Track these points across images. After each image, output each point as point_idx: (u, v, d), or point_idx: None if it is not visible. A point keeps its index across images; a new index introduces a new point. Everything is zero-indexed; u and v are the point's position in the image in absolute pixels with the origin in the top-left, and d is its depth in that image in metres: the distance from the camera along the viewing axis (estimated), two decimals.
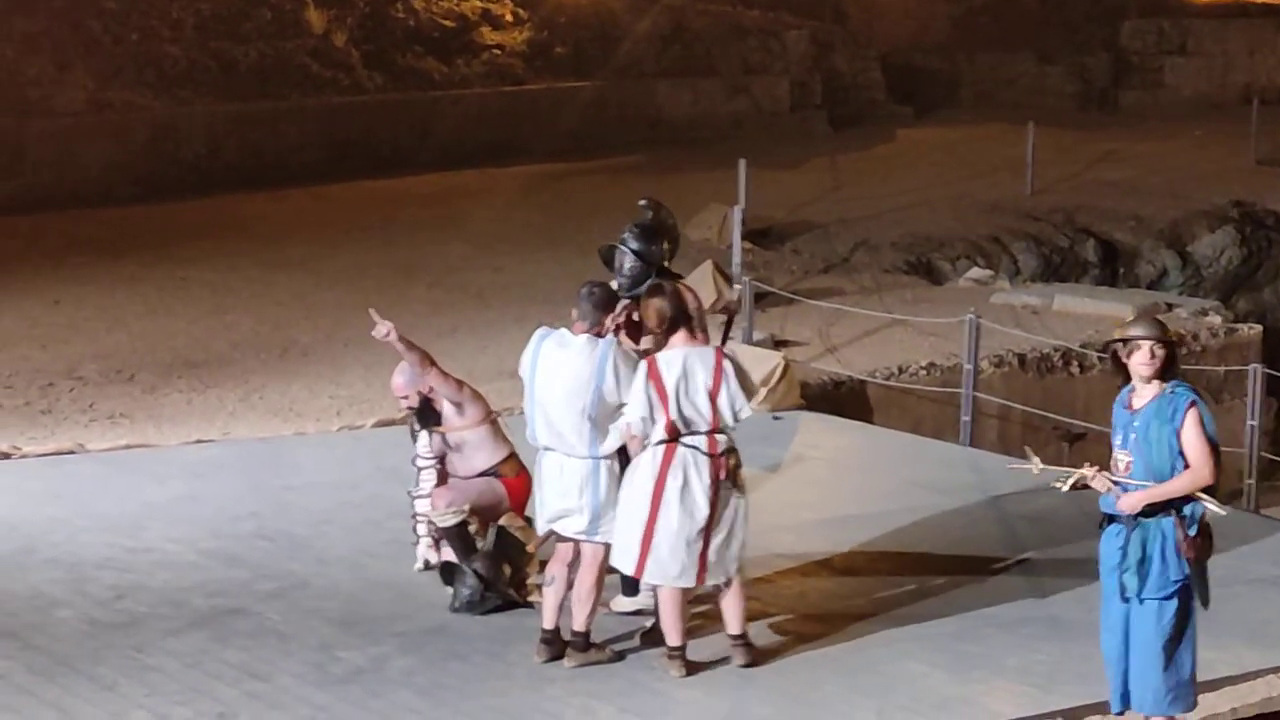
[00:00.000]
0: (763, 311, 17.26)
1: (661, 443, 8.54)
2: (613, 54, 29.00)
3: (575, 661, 8.80)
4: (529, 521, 9.55)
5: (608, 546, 8.83)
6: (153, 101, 24.63)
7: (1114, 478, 7.67)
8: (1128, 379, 7.76)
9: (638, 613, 9.37)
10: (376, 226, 21.90)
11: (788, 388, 14.24)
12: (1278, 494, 15.87)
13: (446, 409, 9.89)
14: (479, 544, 9.67)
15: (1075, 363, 16.64)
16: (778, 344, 16.10)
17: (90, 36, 24.64)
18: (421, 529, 10.09)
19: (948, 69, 33.46)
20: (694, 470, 8.54)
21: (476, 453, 9.88)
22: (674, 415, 8.50)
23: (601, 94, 28.33)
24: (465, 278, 19.29)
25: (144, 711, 8.23)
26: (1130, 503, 7.62)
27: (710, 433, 8.57)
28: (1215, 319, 18.45)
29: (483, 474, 9.87)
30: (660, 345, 8.67)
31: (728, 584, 8.72)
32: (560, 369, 8.68)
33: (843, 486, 12.00)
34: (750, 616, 8.98)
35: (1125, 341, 7.71)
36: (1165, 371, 7.69)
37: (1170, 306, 18.97)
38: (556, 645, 8.86)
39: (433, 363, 9.87)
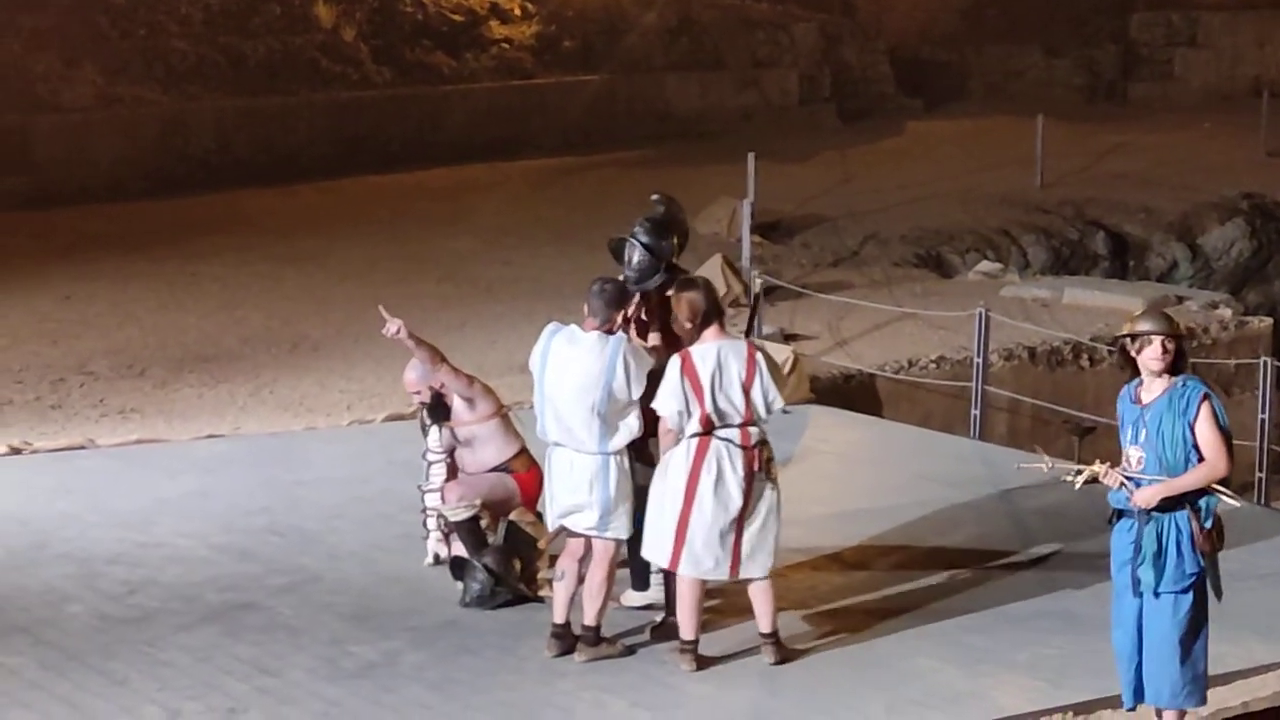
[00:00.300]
0: (772, 305, 17.25)
1: (695, 436, 8.55)
2: (621, 48, 28.98)
3: (586, 656, 8.81)
4: (540, 517, 9.56)
5: (618, 542, 8.84)
6: (161, 97, 24.65)
7: (1126, 473, 7.67)
8: (1135, 374, 7.76)
9: (648, 607, 9.38)
10: (386, 221, 21.92)
11: (798, 381, 14.24)
12: None
13: (457, 404, 9.91)
14: (490, 539, 9.68)
15: (1085, 356, 16.63)
16: (787, 338, 16.10)
17: (98, 32, 24.65)
18: (431, 523, 10.10)
19: (956, 62, 33.42)
20: (728, 463, 8.56)
21: (486, 447, 9.89)
22: (709, 408, 8.51)
23: (610, 88, 28.32)
24: (474, 272, 19.30)
25: (155, 706, 8.24)
26: (1145, 497, 7.61)
27: (743, 425, 8.58)
28: (1225, 312, 18.42)
29: (493, 469, 9.88)
30: (692, 339, 8.67)
31: (760, 580, 8.72)
32: (570, 365, 8.68)
33: (853, 480, 12.00)
34: None
35: (1134, 337, 7.71)
36: (1174, 366, 7.69)
37: (1180, 299, 18.95)
38: (567, 640, 8.87)
39: (443, 359, 9.88)
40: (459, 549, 9.82)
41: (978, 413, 14.40)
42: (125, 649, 8.90)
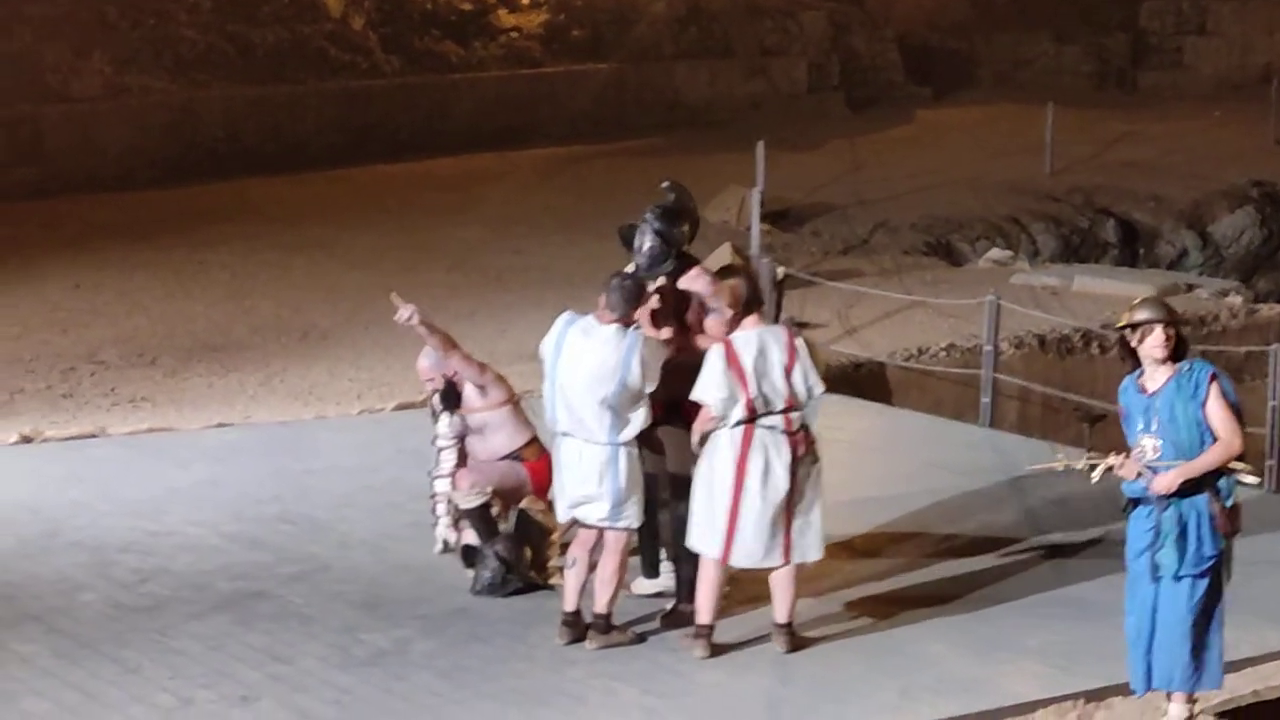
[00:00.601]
0: (782, 293, 17.23)
1: (739, 424, 8.55)
2: (629, 36, 28.96)
3: (597, 644, 8.81)
4: (551, 505, 9.56)
5: (630, 531, 8.84)
6: (170, 86, 24.65)
7: (1144, 462, 7.66)
8: (1136, 365, 7.77)
9: (659, 595, 9.39)
10: (395, 210, 21.92)
11: None
12: None
13: (469, 391, 9.91)
14: (501, 526, 9.69)
15: (1095, 344, 16.62)
16: (797, 326, 16.08)
17: (107, 22, 24.66)
18: (441, 509, 10.11)
19: (965, 49, 33.37)
20: (774, 450, 8.58)
21: (497, 435, 9.90)
22: (754, 394, 8.52)
23: (619, 76, 28.30)
24: (484, 260, 19.30)
25: (168, 694, 8.26)
26: (1166, 483, 7.62)
27: (786, 411, 8.60)
28: (1235, 299, 18.41)
29: (504, 457, 9.89)
30: (732, 326, 8.68)
31: (782, 568, 8.72)
32: (585, 356, 8.67)
33: (863, 468, 12.00)
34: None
35: (1135, 327, 7.72)
36: (1176, 352, 7.70)
37: (1190, 287, 18.95)
38: (578, 627, 8.88)
39: (455, 346, 9.89)
40: (469, 537, 9.83)
41: (988, 400, 14.40)
42: (137, 637, 8.91)
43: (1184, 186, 24.17)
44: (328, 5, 26.55)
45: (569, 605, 8.91)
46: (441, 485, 10.04)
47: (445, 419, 10.01)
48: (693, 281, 9.03)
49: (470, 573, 9.61)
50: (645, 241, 9.11)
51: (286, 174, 23.68)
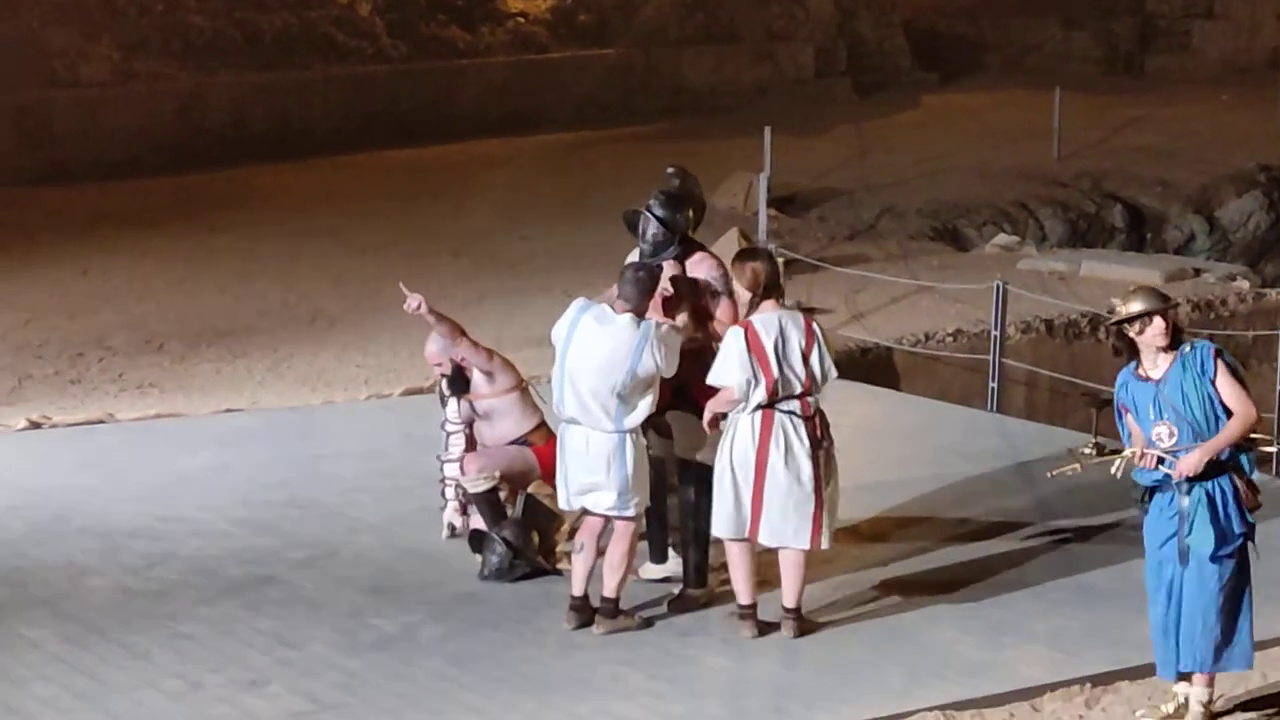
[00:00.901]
0: (789, 279, 17.23)
1: (758, 409, 8.56)
2: (636, 21, 28.94)
3: (605, 628, 8.83)
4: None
5: (639, 517, 8.85)
6: (178, 72, 24.67)
7: (1163, 450, 7.66)
8: (1134, 356, 7.77)
9: (666, 580, 9.40)
10: (402, 196, 21.93)
11: None
12: None
13: (477, 377, 9.93)
14: (509, 511, 9.70)
15: (1103, 329, 16.60)
16: (804, 311, 16.07)
17: (115, 8, 24.68)
18: (449, 493, 10.13)
19: (973, 34, 33.32)
20: (794, 434, 8.60)
21: (505, 420, 9.91)
22: (775, 376, 8.54)
23: (625, 62, 28.28)
24: (491, 246, 19.31)
25: (176, 679, 8.28)
26: (1190, 465, 7.61)
27: (803, 395, 8.62)
28: (1243, 284, 18.38)
29: (512, 442, 9.90)
30: (750, 309, 8.70)
31: (791, 553, 8.73)
32: (598, 344, 8.67)
33: (870, 453, 12.00)
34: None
35: (1133, 320, 7.71)
36: (1173, 339, 7.71)
37: (1197, 272, 18.92)
38: (586, 612, 8.89)
39: (463, 333, 9.91)
40: (477, 522, 9.85)
41: (995, 385, 14.39)
42: (146, 622, 8.93)
43: (1191, 171, 24.13)
44: None
45: (577, 590, 8.93)
46: (450, 469, 10.05)
47: (454, 404, 10.03)
48: (698, 266, 9.04)
49: (478, 557, 9.62)
50: (649, 227, 9.11)
51: (293, 160, 23.71)
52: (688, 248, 9.15)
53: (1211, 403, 7.64)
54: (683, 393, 8.96)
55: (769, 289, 8.70)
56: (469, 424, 10.02)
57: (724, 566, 9.08)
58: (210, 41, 25.14)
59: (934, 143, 25.68)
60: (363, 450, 11.95)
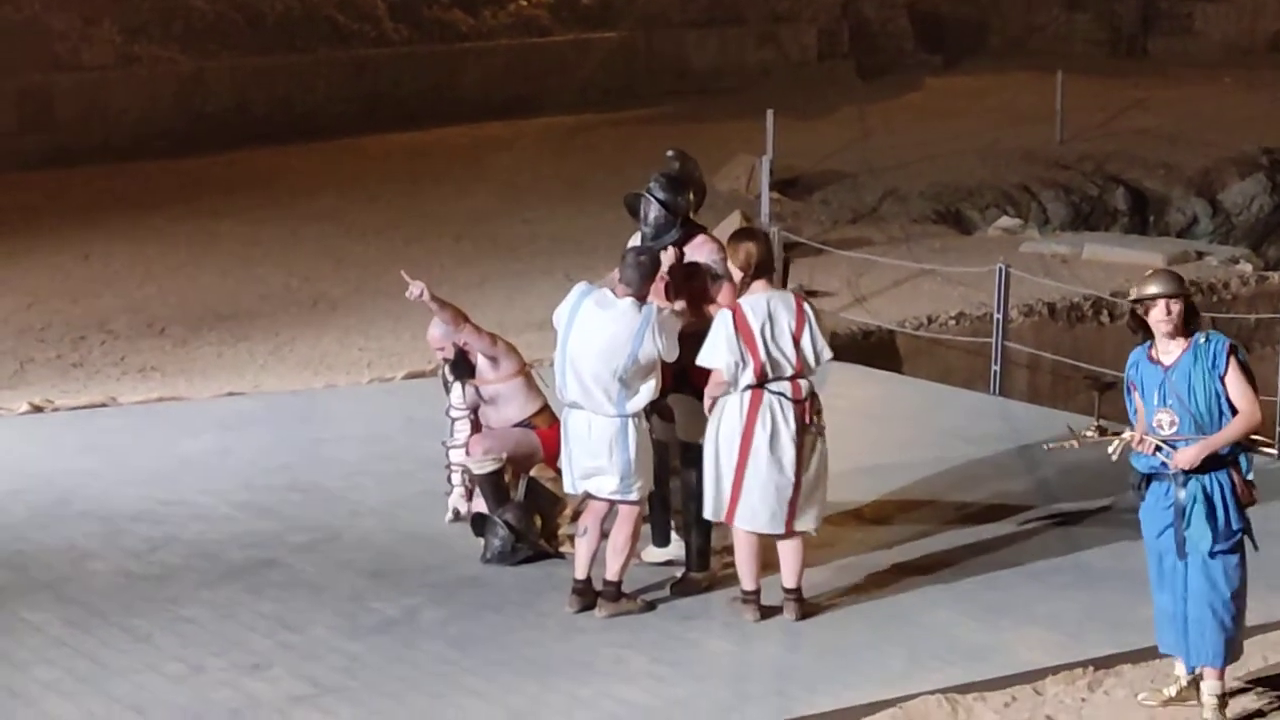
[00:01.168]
0: (792, 262, 17.23)
1: (748, 389, 8.55)
2: (639, 4, 28.87)
3: (607, 611, 8.84)
4: (561, 474, 9.57)
5: (643, 501, 8.86)
6: (180, 55, 24.63)
7: (1162, 437, 7.64)
8: (1149, 336, 7.75)
9: (669, 563, 9.40)
10: (404, 179, 21.92)
11: None
12: None
13: (481, 362, 9.94)
14: (511, 494, 9.70)
15: (1105, 312, 16.60)
16: (806, 294, 16.08)
17: None
18: (455, 479, 10.13)
19: (976, 17, 33.25)
20: (781, 417, 8.58)
21: (509, 405, 9.93)
22: (763, 358, 8.52)
23: (628, 44, 28.23)
24: (493, 229, 19.30)
25: (178, 663, 8.29)
26: (1188, 458, 7.57)
27: (794, 377, 8.60)
28: (1246, 267, 18.36)
29: (516, 425, 9.91)
30: (741, 289, 8.69)
31: (789, 536, 8.73)
32: (600, 328, 8.67)
33: (872, 436, 12.00)
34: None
35: (1142, 300, 7.70)
36: (1187, 325, 7.68)
37: (1200, 255, 18.90)
38: (588, 595, 8.90)
39: (466, 319, 9.91)
40: (480, 505, 9.85)
41: (998, 368, 14.39)
42: (148, 606, 8.94)
43: (1194, 154, 24.09)
44: None
45: (580, 573, 8.93)
46: (456, 455, 10.06)
47: (458, 389, 10.03)
48: (699, 249, 9.03)
49: (480, 541, 9.63)
50: (650, 211, 9.10)
51: (295, 143, 23.68)
52: (689, 231, 9.15)
53: (1218, 398, 7.60)
54: (685, 376, 8.96)
55: (760, 269, 8.67)
56: (474, 409, 10.03)
57: (727, 550, 9.09)
58: (212, 25, 25.10)
59: (937, 125, 25.64)
60: (365, 434, 11.95)
